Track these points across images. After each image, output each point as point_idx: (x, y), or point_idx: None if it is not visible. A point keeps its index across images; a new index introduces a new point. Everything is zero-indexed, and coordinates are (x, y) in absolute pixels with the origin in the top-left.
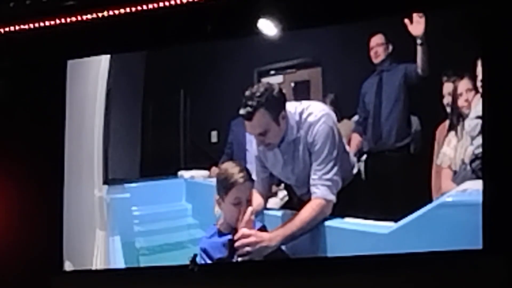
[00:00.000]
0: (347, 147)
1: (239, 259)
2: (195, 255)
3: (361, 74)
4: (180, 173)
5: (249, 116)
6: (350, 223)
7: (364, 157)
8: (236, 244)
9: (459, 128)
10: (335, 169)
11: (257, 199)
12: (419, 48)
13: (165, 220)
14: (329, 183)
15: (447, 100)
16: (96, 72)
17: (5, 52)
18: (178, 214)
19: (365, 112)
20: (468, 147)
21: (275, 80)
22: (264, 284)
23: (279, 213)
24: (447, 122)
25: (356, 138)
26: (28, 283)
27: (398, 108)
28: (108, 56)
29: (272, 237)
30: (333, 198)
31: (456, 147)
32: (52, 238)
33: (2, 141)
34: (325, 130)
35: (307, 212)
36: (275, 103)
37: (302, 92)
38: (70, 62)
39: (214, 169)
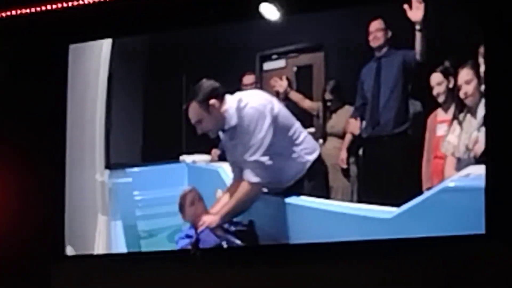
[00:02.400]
0: (300, 134)
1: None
2: (197, 240)
3: (364, 59)
4: (182, 157)
5: (185, 108)
6: (353, 208)
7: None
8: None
9: (461, 116)
10: (260, 151)
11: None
12: (417, 34)
13: (167, 204)
14: (253, 165)
15: (436, 90)
16: (98, 57)
17: (7, 37)
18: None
19: (364, 98)
20: (472, 133)
21: (278, 64)
22: (265, 270)
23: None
24: (438, 111)
25: (353, 123)
26: (30, 268)
27: (396, 94)
28: (110, 40)
29: (212, 220)
30: (257, 180)
31: (460, 136)
32: (54, 223)
33: (3, 126)
34: (250, 113)
35: (238, 194)
36: (204, 96)
37: (304, 76)
38: (72, 47)
39: (215, 151)
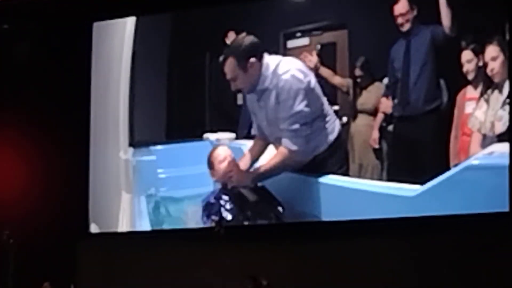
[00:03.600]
0: (327, 109)
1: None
2: (221, 218)
3: (389, 37)
4: (205, 135)
5: (222, 63)
6: (377, 186)
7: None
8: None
9: (488, 93)
10: (300, 121)
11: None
12: (442, 6)
13: (191, 181)
14: (292, 134)
15: (466, 67)
16: (122, 34)
17: (31, 14)
18: (204, 176)
19: (394, 77)
20: (498, 110)
21: (301, 42)
22: (289, 247)
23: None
24: (468, 88)
25: (385, 102)
26: (55, 245)
27: (426, 71)
28: (134, 18)
29: (243, 179)
30: (296, 148)
31: (486, 112)
32: (79, 201)
33: (28, 103)
34: (290, 82)
35: (274, 159)
36: (243, 53)
37: (328, 54)
38: (95, 24)
39: None
